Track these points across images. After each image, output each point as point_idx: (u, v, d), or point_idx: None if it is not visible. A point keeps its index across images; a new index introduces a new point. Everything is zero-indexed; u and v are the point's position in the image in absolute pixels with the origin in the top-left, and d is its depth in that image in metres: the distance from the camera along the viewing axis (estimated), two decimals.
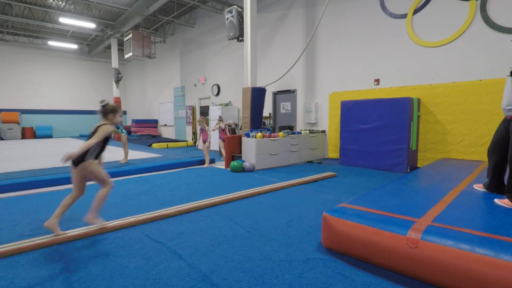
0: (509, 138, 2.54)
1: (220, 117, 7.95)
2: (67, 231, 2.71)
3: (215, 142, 9.31)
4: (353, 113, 6.52)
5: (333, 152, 7.74)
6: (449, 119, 5.82)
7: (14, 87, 16.14)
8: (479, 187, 3.03)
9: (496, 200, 2.56)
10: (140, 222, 3.05)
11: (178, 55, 14.03)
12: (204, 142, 7.00)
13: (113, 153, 8.56)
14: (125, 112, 20.01)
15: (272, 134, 6.69)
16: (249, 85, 7.10)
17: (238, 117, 10.37)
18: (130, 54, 12.06)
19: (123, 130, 7.05)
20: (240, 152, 6.82)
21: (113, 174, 5.68)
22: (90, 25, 12.54)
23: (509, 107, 2.50)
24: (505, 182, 2.64)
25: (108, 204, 3.76)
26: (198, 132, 9.80)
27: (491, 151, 2.79)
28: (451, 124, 5.80)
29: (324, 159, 7.87)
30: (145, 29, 13.77)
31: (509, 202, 2.44)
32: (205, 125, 7.05)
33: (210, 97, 12.18)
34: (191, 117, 13.24)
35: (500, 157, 2.70)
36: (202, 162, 7.30)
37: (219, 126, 7.68)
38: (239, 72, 10.42)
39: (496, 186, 2.81)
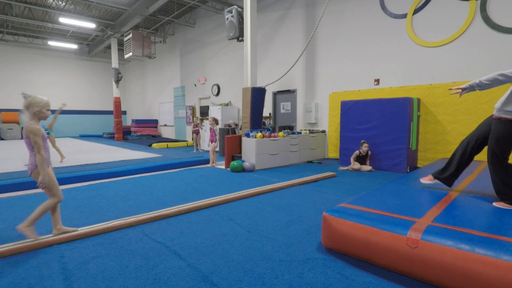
0: (488, 135, 2.60)
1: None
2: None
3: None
4: (353, 113, 6.52)
5: (333, 152, 7.74)
6: (449, 119, 5.82)
7: (14, 87, 16.14)
8: (427, 180, 3.08)
9: (494, 203, 2.58)
10: (140, 222, 3.05)
11: (178, 55, 14.03)
12: (212, 141, 7.02)
13: (113, 153, 8.56)
14: (125, 112, 20.01)
15: (272, 134, 6.69)
16: (249, 85, 7.09)
17: (238, 117, 10.37)
18: (130, 54, 12.07)
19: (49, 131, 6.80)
20: (240, 152, 6.82)
21: (113, 174, 5.69)
22: (90, 25, 12.54)
23: (497, 107, 2.57)
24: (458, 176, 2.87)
25: (108, 204, 3.76)
26: (199, 131, 9.80)
27: (466, 142, 2.80)
28: (451, 124, 5.80)
29: (324, 159, 7.87)
30: (145, 29, 13.77)
31: (506, 204, 2.48)
32: (215, 126, 7.08)
33: (210, 97, 12.18)
34: (191, 117, 13.23)
35: (470, 151, 2.75)
36: (202, 162, 7.31)
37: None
38: (239, 72, 10.42)
39: (453, 178, 2.91)
